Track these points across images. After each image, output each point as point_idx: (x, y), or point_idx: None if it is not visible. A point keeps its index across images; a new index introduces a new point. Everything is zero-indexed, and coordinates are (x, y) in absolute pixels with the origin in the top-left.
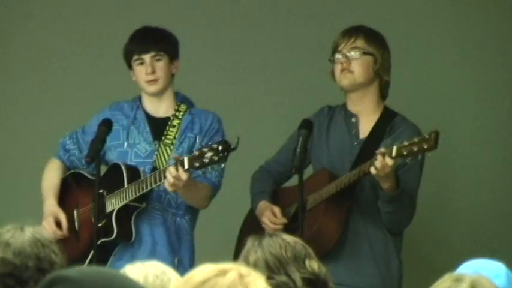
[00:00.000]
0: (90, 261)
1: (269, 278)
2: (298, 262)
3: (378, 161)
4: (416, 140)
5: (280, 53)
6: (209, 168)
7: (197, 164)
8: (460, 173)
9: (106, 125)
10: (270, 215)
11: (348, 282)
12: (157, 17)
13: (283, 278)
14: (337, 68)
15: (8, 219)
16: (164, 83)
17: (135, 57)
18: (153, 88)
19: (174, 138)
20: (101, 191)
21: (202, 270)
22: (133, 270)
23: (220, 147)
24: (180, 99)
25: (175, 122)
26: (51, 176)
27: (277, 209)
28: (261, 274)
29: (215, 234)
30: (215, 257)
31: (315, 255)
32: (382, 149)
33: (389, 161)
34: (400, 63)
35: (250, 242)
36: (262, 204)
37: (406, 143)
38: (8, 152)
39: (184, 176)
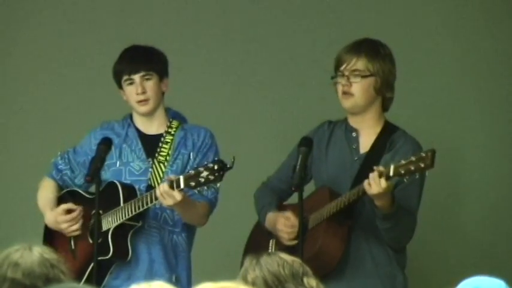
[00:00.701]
0: (88, 280)
1: None
2: (297, 279)
3: (373, 178)
4: (413, 158)
5: (276, 68)
6: (206, 187)
7: (193, 184)
8: (467, 181)
9: (105, 143)
10: (285, 221)
11: None
12: (150, 33)
13: None
14: (339, 88)
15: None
16: (155, 102)
17: (125, 77)
18: (144, 108)
19: (168, 154)
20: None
21: None
22: None
23: (216, 167)
24: (172, 115)
25: (168, 138)
26: (46, 193)
27: (289, 213)
28: None
29: (212, 252)
30: (212, 274)
31: (316, 274)
32: (380, 167)
33: (383, 183)
34: (405, 74)
35: (248, 261)
36: (271, 215)
37: (403, 162)
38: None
39: (178, 195)
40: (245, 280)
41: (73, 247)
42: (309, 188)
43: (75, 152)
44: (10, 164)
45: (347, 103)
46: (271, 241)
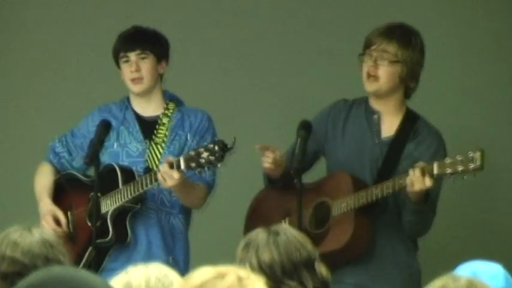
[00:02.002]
0: (86, 263)
1: (282, 283)
2: (311, 265)
3: (414, 177)
4: (459, 158)
5: (275, 53)
6: (206, 168)
7: (193, 164)
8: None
9: (105, 126)
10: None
11: (371, 287)
12: (153, 18)
13: (295, 284)
14: (364, 69)
15: (5, 219)
16: (149, 82)
17: (121, 54)
18: (137, 88)
19: (165, 136)
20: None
21: (201, 273)
22: (136, 272)
23: (216, 148)
24: (169, 97)
25: (165, 120)
26: (43, 178)
27: (273, 148)
28: (261, 277)
29: (210, 234)
30: (210, 256)
31: (342, 264)
32: (421, 163)
33: (428, 181)
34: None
35: (263, 235)
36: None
37: (449, 160)
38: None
39: (176, 175)
40: (256, 255)
41: (71, 230)
42: (316, 171)
43: (72, 135)
44: (7, 151)
45: (371, 87)
46: (286, 219)
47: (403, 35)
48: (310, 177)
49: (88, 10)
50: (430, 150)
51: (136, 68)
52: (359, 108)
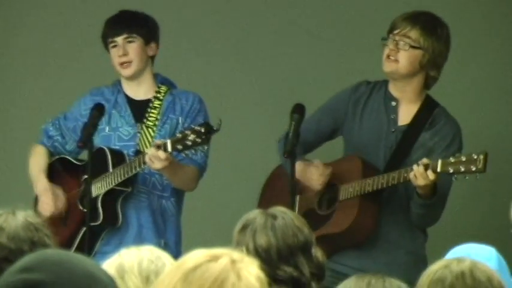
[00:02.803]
0: (79, 246)
1: (277, 268)
2: (307, 251)
3: (419, 172)
4: (463, 158)
5: (265, 36)
6: (193, 150)
7: (180, 147)
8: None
9: (98, 110)
10: (315, 170)
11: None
12: (143, 2)
13: (291, 270)
14: (385, 51)
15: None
16: (138, 65)
17: (109, 40)
18: (127, 71)
19: (156, 119)
20: (86, 176)
21: (194, 256)
22: (128, 254)
23: (202, 129)
24: (160, 80)
25: (156, 103)
26: (38, 160)
27: (317, 162)
28: (255, 260)
29: (203, 217)
30: (202, 239)
31: (344, 247)
32: (425, 160)
33: (431, 175)
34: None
35: (260, 218)
36: (300, 164)
37: (452, 160)
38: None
39: (162, 155)
40: (253, 239)
41: (63, 215)
42: (336, 146)
43: (65, 118)
44: (9, 137)
45: (388, 67)
46: (297, 197)
47: (428, 23)
48: (330, 157)
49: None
50: (445, 141)
51: (124, 52)
52: (379, 93)
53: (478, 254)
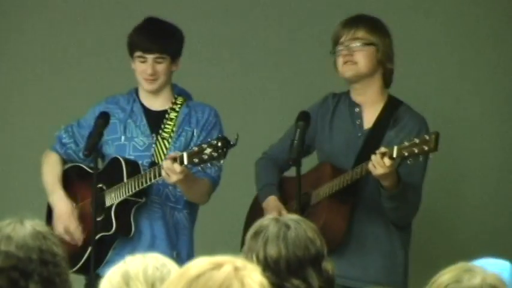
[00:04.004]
0: (90, 256)
1: (285, 280)
2: (317, 264)
3: (376, 160)
4: (416, 141)
5: (278, 46)
6: (209, 164)
7: (196, 160)
8: (467, 170)
9: (103, 118)
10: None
11: (353, 276)
12: (158, 10)
13: (298, 283)
14: (340, 60)
15: (7, 213)
16: (162, 83)
17: (138, 53)
18: (150, 87)
19: (172, 131)
20: (100, 185)
21: (197, 264)
22: (133, 261)
23: (219, 144)
24: (177, 91)
25: (173, 114)
26: (53, 169)
27: (284, 211)
28: (257, 267)
29: (214, 230)
30: (215, 251)
31: None
32: (382, 149)
33: (387, 161)
34: (403, 60)
35: (274, 227)
36: (272, 201)
37: (406, 144)
38: (4, 145)
39: (178, 168)
40: (264, 249)
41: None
42: (311, 162)
43: (79, 125)
44: (11, 140)
45: (349, 72)
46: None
47: (369, 21)
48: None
49: (89, 4)
50: (411, 136)
51: (153, 71)
52: (344, 102)
53: (493, 268)
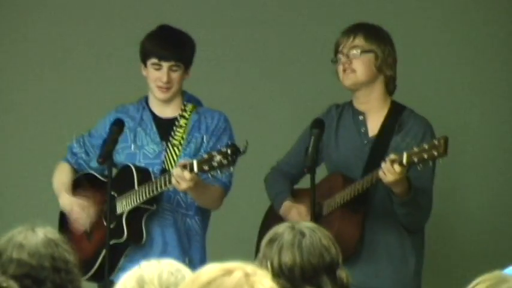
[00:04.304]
0: (102, 263)
1: (298, 287)
2: (332, 272)
3: (386, 168)
4: (426, 146)
5: (288, 52)
6: (219, 171)
7: (206, 167)
8: (469, 173)
9: (118, 125)
10: (296, 216)
11: (365, 285)
12: (165, 16)
13: None
14: (340, 68)
15: (18, 220)
16: (175, 92)
17: (153, 60)
18: (163, 96)
19: (182, 138)
20: (111, 193)
21: (208, 270)
22: (148, 266)
23: (229, 151)
24: (187, 98)
25: (183, 122)
26: (62, 177)
27: (303, 209)
28: (267, 273)
29: (228, 235)
30: (228, 257)
31: None
32: (392, 156)
33: (397, 168)
34: (404, 65)
35: (289, 235)
36: (287, 204)
37: (416, 149)
38: (14, 156)
39: (188, 175)
40: (279, 256)
41: (88, 230)
42: (321, 173)
43: (90, 135)
44: (22, 152)
45: (348, 80)
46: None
47: (368, 29)
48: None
49: (96, 7)
50: (416, 140)
51: (168, 80)
52: (348, 112)
53: None
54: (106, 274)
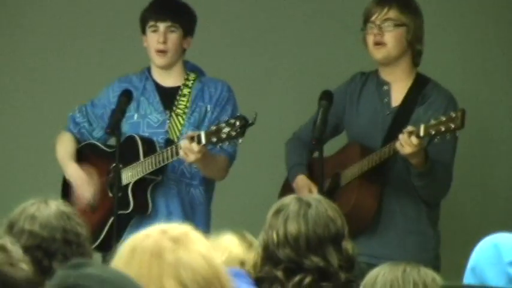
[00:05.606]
0: (108, 233)
1: (305, 257)
2: (337, 243)
3: (403, 139)
4: (443, 118)
5: (297, 25)
6: (227, 142)
7: (214, 139)
8: (497, 150)
9: (126, 96)
10: (308, 192)
11: (382, 255)
12: None
13: (317, 260)
14: (370, 39)
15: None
16: (173, 56)
17: (151, 23)
18: (161, 60)
19: (186, 107)
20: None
21: (132, 238)
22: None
23: (237, 123)
24: (190, 68)
25: (186, 90)
26: (66, 146)
27: (314, 188)
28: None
29: (231, 208)
30: (231, 227)
31: (349, 231)
32: (409, 128)
33: (415, 140)
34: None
35: (294, 205)
36: (300, 179)
37: (433, 122)
38: (15, 131)
39: (196, 147)
40: (284, 225)
41: (92, 202)
42: (343, 141)
43: (92, 105)
44: (24, 121)
45: (379, 54)
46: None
47: (401, 0)
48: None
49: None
50: (439, 112)
51: (164, 40)
52: (372, 82)
53: (506, 243)
54: (114, 243)
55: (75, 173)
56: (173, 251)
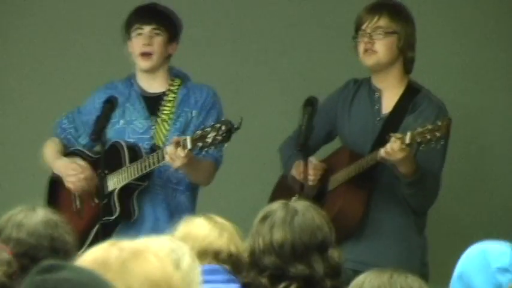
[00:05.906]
0: (93, 240)
1: (290, 265)
2: (323, 250)
3: (388, 146)
4: (429, 126)
5: (285, 30)
6: (213, 147)
7: (200, 144)
8: (492, 156)
9: (111, 102)
10: (311, 170)
11: (368, 261)
12: None
13: (302, 268)
14: (361, 47)
15: (13, 200)
16: (158, 60)
17: (136, 26)
18: (146, 64)
19: (171, 112)
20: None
21: (93, 250)
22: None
23: (223, 127)
24: (175, 73)
25: (171, 96)
26: (53, 146)
27: (311, 157)
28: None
29: (219, 212)
30: None
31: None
32: (397, 134)
33: (397, 146)
34: (426, 43)
35: (281, 212)
36: (297, 163)
37: (420, 130)
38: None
39: (182, 153)
40: (270, 232)
41: (78, 207)
42: (335, 145)
43: (79, 112)
44: (12, 130)
45: (369, 60)
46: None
47: (392, 8)
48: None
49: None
50: (429, 121)
51: (149, 42)
52: (364, 88)
53: (493, 250)
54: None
55: (63, 165)
56: (119, 258)
